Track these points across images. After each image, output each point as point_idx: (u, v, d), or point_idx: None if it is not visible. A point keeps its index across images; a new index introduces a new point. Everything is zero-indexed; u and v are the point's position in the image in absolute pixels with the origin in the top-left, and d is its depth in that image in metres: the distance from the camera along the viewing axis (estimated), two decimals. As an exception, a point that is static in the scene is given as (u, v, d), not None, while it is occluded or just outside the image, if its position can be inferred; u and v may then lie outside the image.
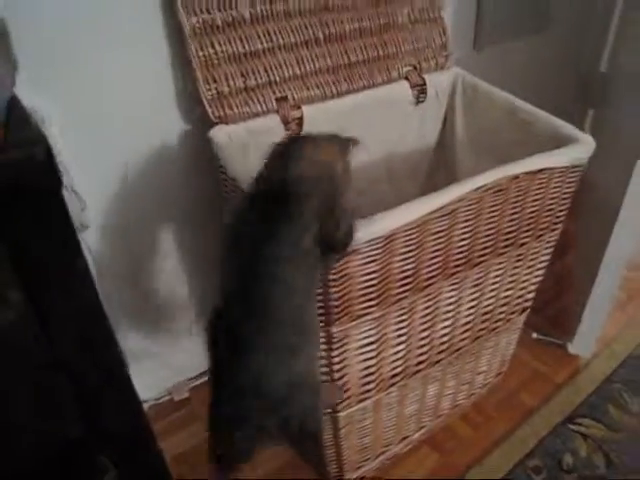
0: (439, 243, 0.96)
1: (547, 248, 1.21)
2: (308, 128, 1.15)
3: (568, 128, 1.09)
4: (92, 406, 0.74)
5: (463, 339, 1.22)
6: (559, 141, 1.06)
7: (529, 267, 1.21)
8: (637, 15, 1.25)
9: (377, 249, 0.87)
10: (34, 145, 0.54)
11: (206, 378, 1.53)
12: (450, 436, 1.46)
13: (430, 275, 1.00)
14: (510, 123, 1.20)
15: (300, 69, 1.16)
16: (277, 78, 1.13)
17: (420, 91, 1.29)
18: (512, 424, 1.48)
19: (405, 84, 1.27)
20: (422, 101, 1.30)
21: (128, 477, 0.83)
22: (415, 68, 1.29)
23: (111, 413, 0.78)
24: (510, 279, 1.19)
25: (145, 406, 1.45)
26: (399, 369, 1.13)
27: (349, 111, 1.21)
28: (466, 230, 0.98)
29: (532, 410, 1.51)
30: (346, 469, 1.28)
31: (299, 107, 1.15)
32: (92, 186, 1.12)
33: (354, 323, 0.96)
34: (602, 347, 1.68)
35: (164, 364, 1.47)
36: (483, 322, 1.23)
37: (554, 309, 1.70)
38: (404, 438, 1.36)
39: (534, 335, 1.67)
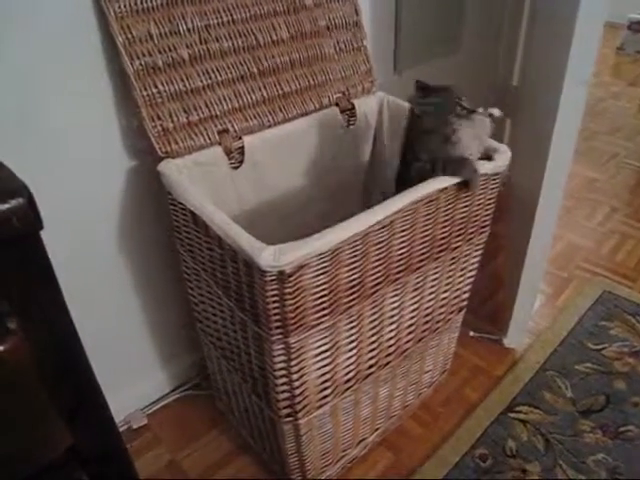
0: (381, 252, 1.06)
1: (477, 250, 1.33)
2: (250, 156, 1.24)
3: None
4: (71, 427, 0.79)
5: (408, 341, 1.32)
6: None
7: (462, 269, 1.32)
8: (540, 33, 1.39)
9: (326, 262, 0.96)
10: (19, 195, 0.59)
11: (164, 403, 1.57)
12: (402, 435, 1.55)
13: (375, 283, 1.10)
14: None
15: (238, 102, 1.24)
16: (217, 112, 1.21)
17: (350, 115, 1.40)
18: (458, 418, 1.59)
19: (336, 109, 1.38)
20: (353, 124, 1.41)
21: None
22: (344, 94, 1.39)
23: (89, 434, 0.83)
24: (446, 281, 1.30)
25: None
26: (352, 374, 1.21)
27: (286, 138, 1.30)
28: (404, 239, 1.09)
29: (475, 403, 1.63)
30: (309, 475, 1.34)
31: (240, 138, 1.23)
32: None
33: (309, 333, 1.03)
34: (535, 339, 1.82)
35: (120, 394, 1.49)
36: (425, 323, 1.33)
37: (488, 307, 1.84)
38: (361, 441, 1.44)
39: (471, 333, 1.79)
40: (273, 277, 0.91)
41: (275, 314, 0.97)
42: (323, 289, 0.99)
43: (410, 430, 1.56)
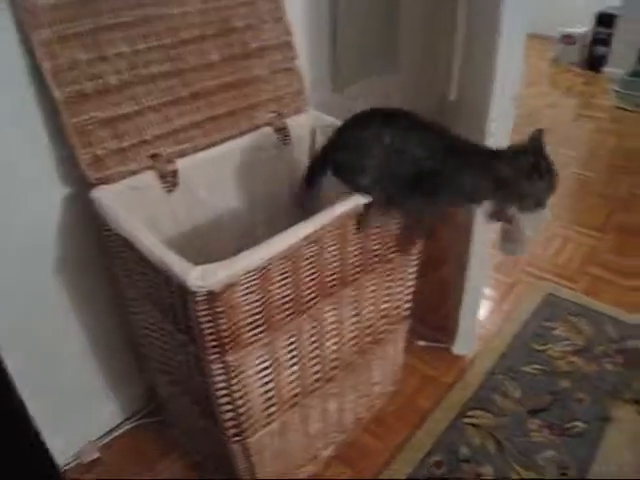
0: (312, 267, 1.08)
1: (413, 260, 1.35)
2: (184, 179, 1.25)
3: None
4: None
5: (352, 353, 1.33)
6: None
7: (400, 279, 1.35)
8: (474, 51, 1.44)
9: (255, 280, 0.97)
10: None
11: (116, 434, 1.55)
12: (357, 449, 1.55)
13: (310, 297, 1.11)
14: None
15: (170, 126, 1.25)
16: (149, 137, 1.22)
17: (284, 134, 1.42)
18: (411, 428, 1.60)
19: (269, 130, 1.40)
20: (287, 143, 1.43)
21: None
22: (277, 114, 1.42)
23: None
24: (385, 292, 1.32)
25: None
26: (297, 389, 1.22)
27: (220, 159, 1.32)
28: (335, 253, 1.11)
29: (428, 412, 1.65)
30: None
31: (173, 161, 1.24)
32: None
33: (247, 350, 1.04)
34: (483, 344, 1.86)
35: (68, 428, 1.48)
36: (367, 335, 1.35)
37: (436, 316, 1.86)
38: (315, 457, 1.44)
39: (420, 343, 1.82)
40: (203, 297, 0.92)
41: (210, 333, 0.97)
42: (255, 306, 1.00)
43: (365, 443, 1.57)
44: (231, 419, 1.13)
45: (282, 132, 1.42)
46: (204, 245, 1.32)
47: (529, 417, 1.63)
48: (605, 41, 4.03)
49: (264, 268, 0.97)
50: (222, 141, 1.33)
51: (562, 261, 2.29)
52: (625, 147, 3.27)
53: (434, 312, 1.87)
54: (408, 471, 1.49)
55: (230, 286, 0.93)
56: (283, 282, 1.03)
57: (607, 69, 4.03)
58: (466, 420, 1.62)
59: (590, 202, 2.76)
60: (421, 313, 1.87)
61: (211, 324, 0.96)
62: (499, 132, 1.43)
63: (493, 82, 1.36)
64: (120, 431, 1.59)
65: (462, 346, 1.79)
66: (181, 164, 1.25)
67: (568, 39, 4.19)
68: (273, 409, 1.19)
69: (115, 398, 1.58)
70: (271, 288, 1.01)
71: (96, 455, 1.54)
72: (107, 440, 1.57)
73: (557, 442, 1.56)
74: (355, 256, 1.16)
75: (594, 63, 4.13)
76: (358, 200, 1.09)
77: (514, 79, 1.41)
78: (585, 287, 2.14)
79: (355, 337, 1.31)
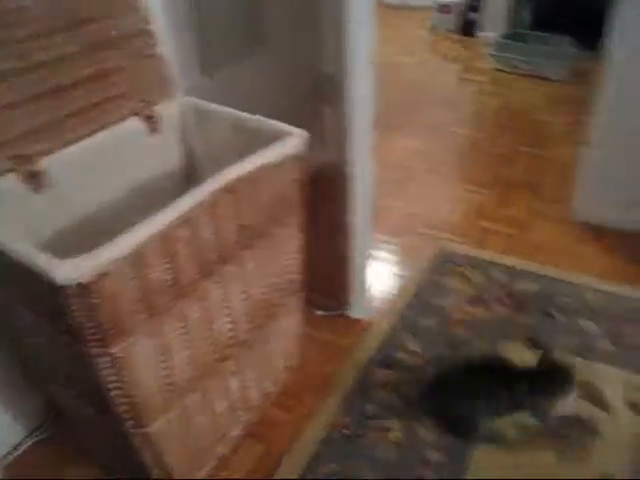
0: (188, 248, 1.08)
1: (295, 233, 1.38)
2: (52, 177, 1.22)
3: (283, 127, 1.28)
4: None
5: (247, 330, 1.35)
6: (280, 138, 1.24)
7: (285, 252, 1.38)
8: (352, 28, 1.48)
9: (129, 266, 0.97)
10: None
11: (20, 451, 1.49)
12: (268, 425, 1.58)
13: (191, 279, 1.12)
14: (238, 133, 1.36)
15: (29, 124, 1.21)
16: (8, 137, 1.18)
17: (153, 122, 1.41)
18: (319, 395, 1.64)
19: (137, 119, 1.38)
20: (157, 131, 1.42)
21: None
22: (144, 102, 1.40)
23: None
24: (271, 266, 1.35)
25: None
26: (194, 372, 1.23)
27: (89, 153, 1.29)
28: (211, 231, 1.12)
29: (334, 378, 1.69)
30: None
31: (37, 160, 1.20)
32: None
33: (132, 339, 1.04)
34: (382, 305, 1.93)
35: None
36: (260, 310, 1.37)
37: (331, 285, 1.90)
38: (223, 436, 1.45)
39: (319, 313, 1.86)
40: (74, 291, 0.91)
41: (89, 327, 0.97)
42: (134, 294, 1.00)
43: (274, 417, 1.60)
44: (127, 411, 1.12)
45: (151, 120, 1.40)
46: (81, 241, 1.29)
47: (427, 367, 1.70)
48: (476, 7, 4.20)
49: (137, 254, 0.97)
50: (89, 134, 1.30)
51: (454, 219, 2.39)
52: (507, 107, 3.43)
53: (329, 281, 1.91)
54: (320, 437, 1.53)
55: (102, 276, 0.93)
56: (160, 266, 1.03)
57: (481, 34, 4.20)
58: (370, 379, 1.68)
59: (478, 161, 2.89)
60: (317, 284, 1.91)
61: (88, 317, 0.95)
62: (363, 98, 1.47)
63: (347, 51, 1.40)
64: (22, 449, 1.54)
65: (358, 310, 1.85)
66: (47, 162, 1.22)
67: (444, 8, 4.34)
68: (170, 395, 1.19)
69: (12, 416, 1.53)
70: (148, 273, 1.01)
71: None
72: (10, 460, 1.52)
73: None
74: (231, 232, 1.18)
75: (469, 29, 4.29)
76: (228, 174, 1.11)
77: (367, 46, 1.45)
78: (475, 240, 2.26)
79: (248, 314, 1.33)
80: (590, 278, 2.08)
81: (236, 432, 1.50)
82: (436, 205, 2.49)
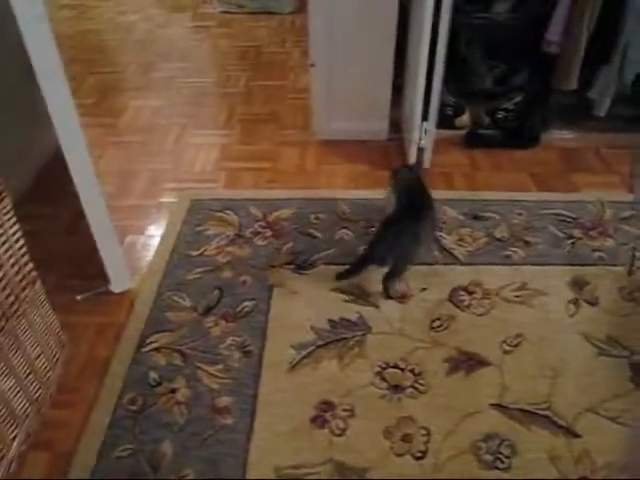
0: None
1: (8, 220, 1.26)
2: None
3: None
4: None
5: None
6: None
7: (3, 243, 1.25)
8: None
9: None
10: None
11: None
12: (50, 428, 1.46)
13: None
14: None
15: None
16: None
17: None
18: (98, 380, 1.55)
19: None
20: None
21: None
22: None
23: None
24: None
25: None
26: None
27: None
28: None
29: (109, 358, 1.61)
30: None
31: None
32: None
33: None
34: (143, 272, 1.87)
35: None
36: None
37: (87, 267, 1.80)
38: (1, 460, 1.32)
39: (78, 297, 1.75)
40: None
41: None
42: None
43: (56, 419, 1.48)
44: None
45: None
46: None
47: (204, 318, 1.70)
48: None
49: None
50: None
51: (199, 168, 2.37)
52: (237, 47, 3.44)
53: (83, 264, 1.82)
54: (107, 420, 1.45)
55: None
56: None
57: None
58: (146, 348, 1.62)
59: (213, 105, 2.89)
60: (73, 269, 1.81)
61: None
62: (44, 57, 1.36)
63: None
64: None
65: (119, 283, 1.77)
66: None
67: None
68: None
69: None
70: None
71: None
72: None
73: (233, 327, 1.66)
74: None
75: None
76: None
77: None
78: (225, 183, 2.26)
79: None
80: (339, 190, 2.20)
81: (15, 451, 1.36)
82: (182, 158, 2.45)
